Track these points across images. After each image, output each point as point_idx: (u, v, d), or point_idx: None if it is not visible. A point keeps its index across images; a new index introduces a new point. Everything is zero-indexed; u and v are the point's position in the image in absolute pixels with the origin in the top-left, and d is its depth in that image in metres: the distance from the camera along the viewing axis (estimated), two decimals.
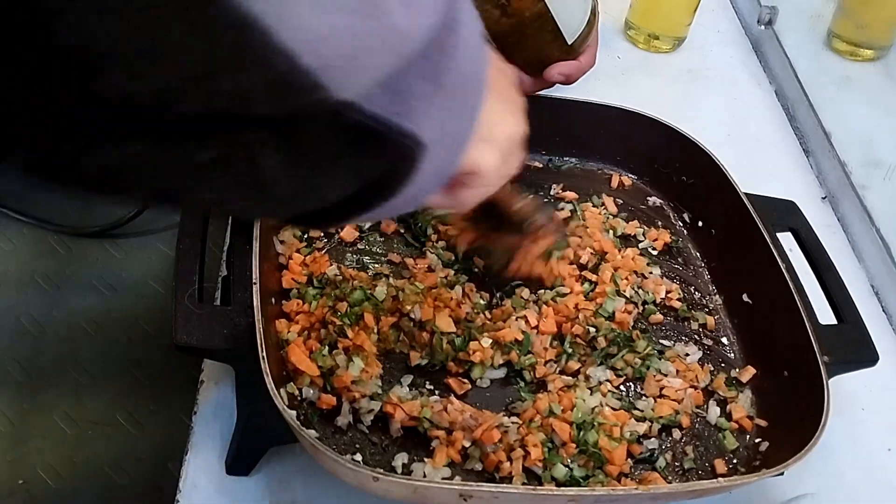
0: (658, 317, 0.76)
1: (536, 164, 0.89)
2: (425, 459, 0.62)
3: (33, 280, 1.14)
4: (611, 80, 1.07)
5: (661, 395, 0.70)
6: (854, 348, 0.69)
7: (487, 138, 0.46)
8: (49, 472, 0.91)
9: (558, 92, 0.89)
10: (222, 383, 0.69)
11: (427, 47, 0.35)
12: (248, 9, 0.26)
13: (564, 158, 0.90)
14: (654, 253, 0.82)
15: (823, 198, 0.99)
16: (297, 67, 0.28)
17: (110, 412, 1.01)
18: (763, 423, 0.69)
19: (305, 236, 0.75)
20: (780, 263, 0.73)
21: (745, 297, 0.77)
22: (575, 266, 0.78)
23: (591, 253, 0.79)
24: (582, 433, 0.63)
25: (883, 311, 0.88)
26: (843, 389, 0.74)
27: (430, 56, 0.35)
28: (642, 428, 0.66)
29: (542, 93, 0.87)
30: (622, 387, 0.70)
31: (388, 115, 0.34)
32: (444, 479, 0.60)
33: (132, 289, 1.19)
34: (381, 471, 0.55)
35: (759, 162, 1.01)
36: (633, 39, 1.15)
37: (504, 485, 0.60)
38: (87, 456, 0.95)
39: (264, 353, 0.58)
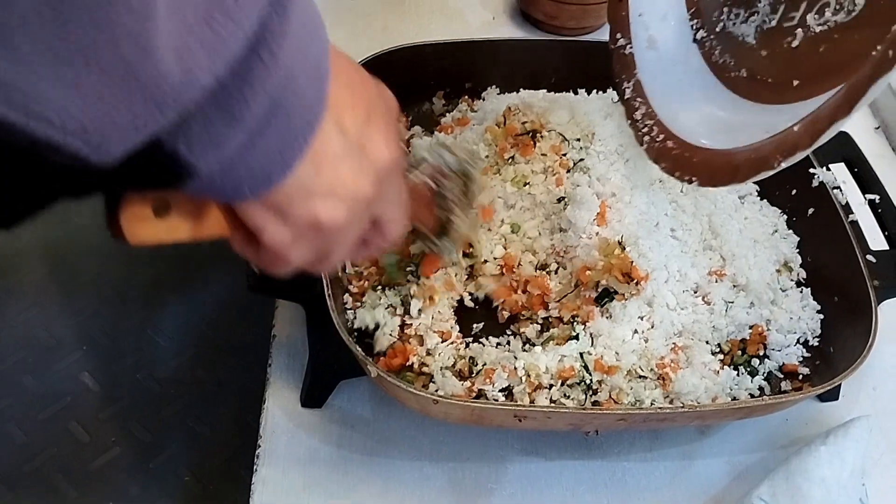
0: None
1: None
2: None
3: (112, 250, 1.20)
4: None
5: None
6: None
7: (327, 191, 0.38)
8: (137, 428, 0.98)
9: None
10: (293, 336, 0.74)
11: (218, 84, 0.31)
12: None
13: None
14: None
15: (877, 128, 0.98)
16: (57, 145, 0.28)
17: (186, 373, 1.07)
18: (806, 370, 0.70)
19: None
20: (829, 192, 0.74)
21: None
22: None
23: None
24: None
25: None
26: None
27: (225, 88, 0.31)
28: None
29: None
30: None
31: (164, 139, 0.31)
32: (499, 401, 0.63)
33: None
34: (441, 394, 0.58)
35: None
36: None
37: (555, 405, 0.63)
38: (173, 411, 1.02)
39: (329, 292, 0.62)
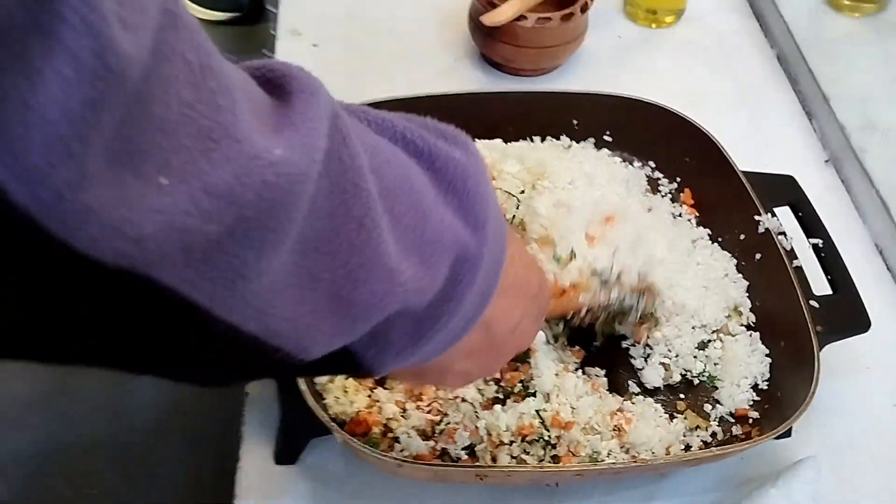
0: None
1: None
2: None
3: None
4: (612, 60, 1.10)
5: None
6: (846, 317, 0.73)
7: (460, 371, 0.49)
8: (105, 479, 0.98)
9: (557, 84, 0.93)
10: (265, 395, 0.75)
11: (422, 306, 0.37)
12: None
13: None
14: None
15: (826, 161, 1.02)
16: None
17: (163, 424, 1.06)
18: (756, 414, 0.73)
19: None
20: (774, 239, 0.77)
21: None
22: None
23: None
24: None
25: (887, 269, 0.91)
26: (848, 350, 0.77)
27: (424, 311, 0.38)
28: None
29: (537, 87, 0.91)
30: None
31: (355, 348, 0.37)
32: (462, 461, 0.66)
33: None
34: (403, 457, 0.61)
35: (763, 128, 1.04)
36: (632, 16, 1.17)
37: (515, 463, 0.66)
38: (154, 459, 1.02)
39: None
